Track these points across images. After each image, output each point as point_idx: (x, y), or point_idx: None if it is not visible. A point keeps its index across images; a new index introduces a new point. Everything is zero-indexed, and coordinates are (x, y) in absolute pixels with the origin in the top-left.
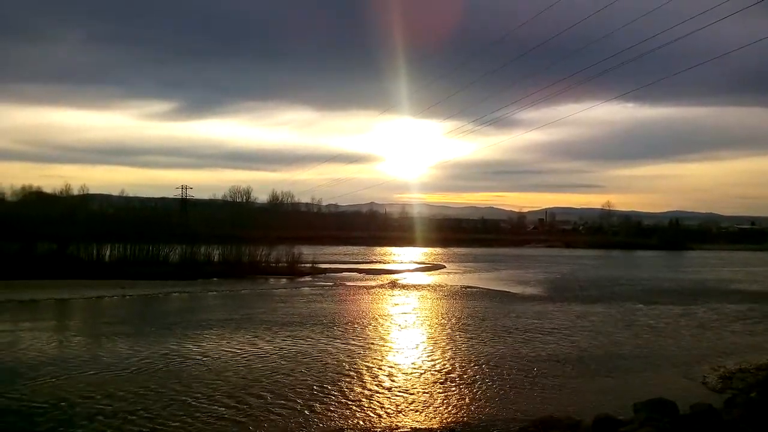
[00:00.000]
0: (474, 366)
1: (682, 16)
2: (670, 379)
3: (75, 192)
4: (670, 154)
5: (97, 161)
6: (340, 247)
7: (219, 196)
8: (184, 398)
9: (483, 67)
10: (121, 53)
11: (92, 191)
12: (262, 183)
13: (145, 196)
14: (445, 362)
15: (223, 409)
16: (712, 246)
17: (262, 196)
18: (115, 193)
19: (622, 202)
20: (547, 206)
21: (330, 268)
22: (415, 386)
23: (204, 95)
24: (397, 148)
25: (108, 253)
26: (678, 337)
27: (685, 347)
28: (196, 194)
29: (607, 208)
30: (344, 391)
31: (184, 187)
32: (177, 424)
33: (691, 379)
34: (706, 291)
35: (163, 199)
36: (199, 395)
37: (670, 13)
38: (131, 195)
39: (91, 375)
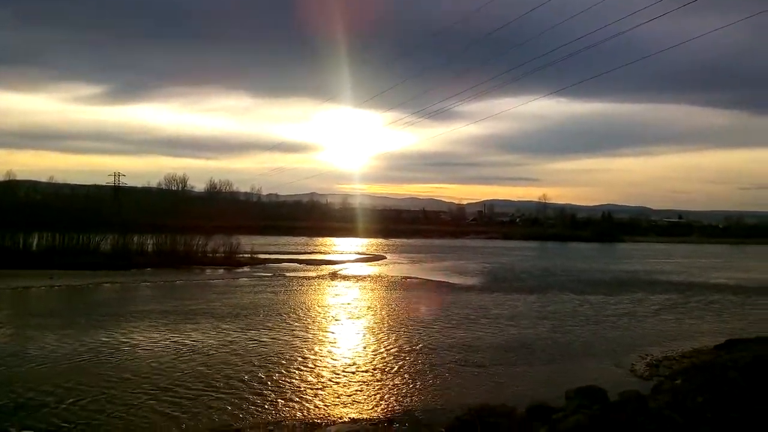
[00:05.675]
0: (414, 356)
1: (615, 15)
2: (601, 367)
3: (0, 177)
4: (603, 148)
5: (24, 146)
6: (281, 238)
7: (154, 183)
8: (114, 392)
9: (424, 60)
10: (49, 34)
11: (19, 177)
12: (198, 171)
13: (75, 182)
14: (386, 353)
15: (156, 402)
16: (643, 238)
17: (199, 185)
18: (44, 179)
19: (558, 195)
20: (486, 198)
21: (269, 258)
22: (355, 377)
23: (135, 79)
24: (338, 138)
25: (35, 241)
26: (610, 326)
27: (616, 336)
28: (129, 182)
29: (543, 201)
30: (283, 383)
31: (116, 174)
32: (107, 418)
33: (621, 367)
34: (635, 282)
35: (94, 186)
36: (130, 388)
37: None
38: (60, 182)
39: (17, 369)
